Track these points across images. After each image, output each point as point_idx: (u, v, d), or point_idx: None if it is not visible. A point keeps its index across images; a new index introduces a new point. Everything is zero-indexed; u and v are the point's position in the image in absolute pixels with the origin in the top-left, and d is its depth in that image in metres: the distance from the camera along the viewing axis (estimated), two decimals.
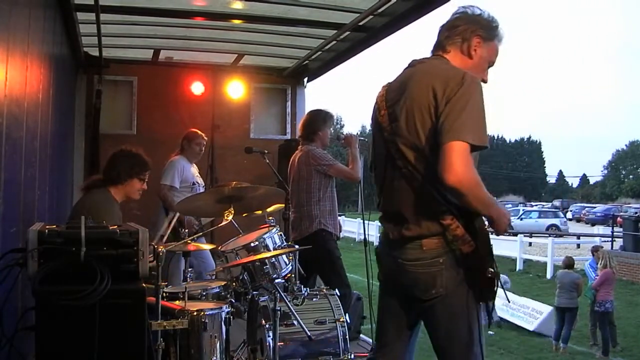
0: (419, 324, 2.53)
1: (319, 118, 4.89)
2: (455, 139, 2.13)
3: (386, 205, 2.48)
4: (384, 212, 2.51)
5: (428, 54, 2.53)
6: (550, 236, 23.80)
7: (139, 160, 3.61)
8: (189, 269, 3.82)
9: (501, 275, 2.40)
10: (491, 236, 2.30)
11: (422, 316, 2.44)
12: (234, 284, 3.62)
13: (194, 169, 5.77)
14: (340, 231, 4.95)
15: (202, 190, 5.62)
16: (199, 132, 5.77)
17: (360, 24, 5.33)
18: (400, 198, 2.37)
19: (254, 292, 3.59)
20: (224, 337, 3.26)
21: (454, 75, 2.26)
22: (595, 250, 11.67)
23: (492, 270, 2.23)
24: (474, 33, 2.43)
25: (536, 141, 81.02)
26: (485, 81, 2.46)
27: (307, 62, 7.05)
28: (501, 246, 17.57)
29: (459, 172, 2.11)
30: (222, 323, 3.24)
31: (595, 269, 10.82)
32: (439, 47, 2.46)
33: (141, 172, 3.60)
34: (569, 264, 10.98)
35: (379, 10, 4.98)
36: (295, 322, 3.35)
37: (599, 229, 28.38)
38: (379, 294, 2.61)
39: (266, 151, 4.79)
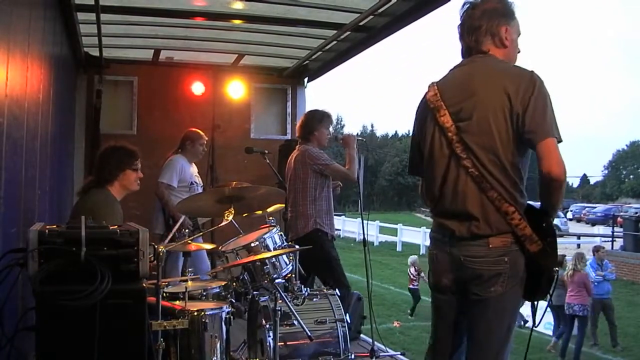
0: None
1: (315, 118, 4.91)
2: (550, 135, 2.26)
3: (449, 204, 2.46)
4: (446, 210, 2.49)
5: (459, 58, 2.55)
6: None
7: (125, 152, 3.55)
8: (189, 269, 3.82)
9: None
10: None
11: (470, 307, 2.45)
12: (234, 284, 3.61)
13: (193, 169, 5.76)
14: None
15: (200, 190, 5.61)
16: (200, 131, 5.76)
17: (361, 24, 5.34)
18: (467, 197, 2.39)
19: (255, 292, 3.59)
20: (225, 337, 3.26)
21: (520, 74, 2.35)
22: (596, 250, 11.67)
23: (557, 269, 2.33)
24: (499, 25, 2.46)
25: None
26: (519, 51, 2.57)
27: (307, 62, 7.06)
28: None
29: (563, 165, 2.25)
30: (223, 323, 3.24)
31: (595, 269, 10.82)
32: (475, 51, 2.47)
33: (131, 162, 3.54)
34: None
35: (379, 11, 4.98)
36: (295, 322, 3.35)
37: (599, 229, 28.43)
38: (432, 295, 2.64)
39: (266, 151, 4.80)
